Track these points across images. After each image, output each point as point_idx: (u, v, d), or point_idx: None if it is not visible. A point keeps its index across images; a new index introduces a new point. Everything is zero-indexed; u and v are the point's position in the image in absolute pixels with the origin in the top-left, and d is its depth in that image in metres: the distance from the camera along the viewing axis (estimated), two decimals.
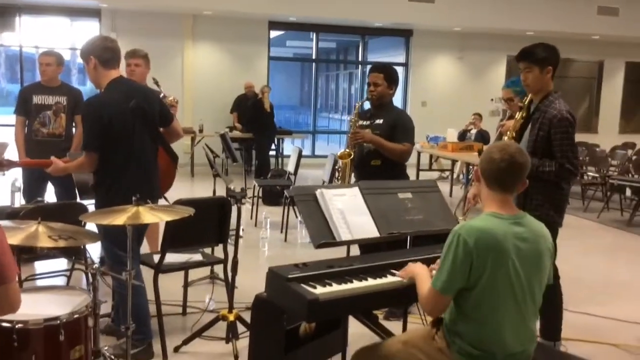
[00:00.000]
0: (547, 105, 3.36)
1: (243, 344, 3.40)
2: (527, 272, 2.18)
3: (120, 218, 2.49)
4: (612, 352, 3.82)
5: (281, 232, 6.60)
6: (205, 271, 4.76)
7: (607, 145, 11.04)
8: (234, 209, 3.55)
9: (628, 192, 7.75)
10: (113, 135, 3.21)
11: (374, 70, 4.17)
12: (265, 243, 6.28)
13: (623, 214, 8.34)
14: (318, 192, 2.82)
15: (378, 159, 4.05)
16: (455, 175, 10.13)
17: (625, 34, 12.90)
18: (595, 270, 5.76)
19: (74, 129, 5.08)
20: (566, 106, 3.34)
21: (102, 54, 3.27)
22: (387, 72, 4.14)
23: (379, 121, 4.10)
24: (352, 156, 4.12)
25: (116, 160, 3.25)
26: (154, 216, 2.54)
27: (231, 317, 3.47)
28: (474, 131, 10.42)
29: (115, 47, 3.36)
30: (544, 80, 3.39)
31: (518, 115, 3.52)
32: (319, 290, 2.34)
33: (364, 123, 4.19)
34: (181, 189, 8.03)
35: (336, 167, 4.28)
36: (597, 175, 9.31)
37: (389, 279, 2.53)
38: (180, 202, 3.32)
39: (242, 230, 6.51)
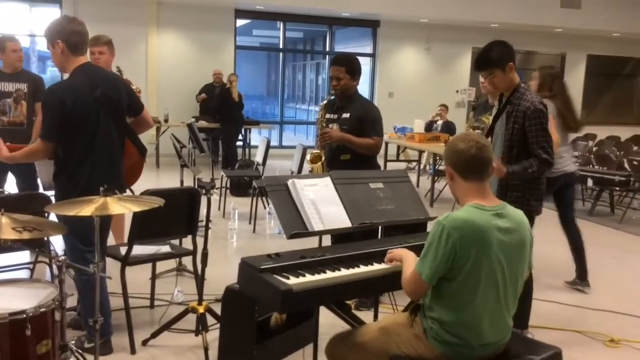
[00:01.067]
0: (519, 97, 3.39)
1: (212, 336, 3.37)
2: (510, 263, 2.19)
3: (87, 209, 2.42)
4: (577, 338, 3.91)
5: (249, 223, 6.56)
6: (173, 263, 4.69)
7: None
8: (204, 199, 3.50)
9: (590, 182, 7.93)
10: (76, 124, 3.10)
11: (335, 64, 4.08)
12: (234, 234, 6.22)
13: (585, 204, 8.53)
14: (290, 182, 2.79)
15: (347, 154, 4.01)
16: (422, 166, 10.21)
17: (587, 27, 13.15)
18: (558, 258, 5.86)
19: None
20: (537, 97, 3.39)
21: (70, 38, 3.12)
22: (348, 64, 4.05)
23: (346, 115, 4.05)
24: (322, 159, 4.06)
25: (78, 149, 3.14)
26: (123, 207, 2.47)
27: (201, 309, 3.43)
28: (440, 122, 10.51)
29: (84, 31, 3.21)
30: (509, 78, 3.41)
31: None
32: (292, 280, 2.32)
33: (332, 117, 4.15)
34: (147, 179, 7.88)
35: (309, 169, 4.22)
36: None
37: (362, 268, 2.53)
38: (149, 193, 3.26)
39: (211, 221, 6.44)
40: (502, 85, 3.43)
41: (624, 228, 7.31)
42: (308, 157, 4.19)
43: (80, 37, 3.17)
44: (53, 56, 3.21)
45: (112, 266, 3.66)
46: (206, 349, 3.28)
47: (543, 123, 3.30)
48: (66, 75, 3.28)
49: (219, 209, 7.09)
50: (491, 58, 3.37)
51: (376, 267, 2.57)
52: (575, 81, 14.92)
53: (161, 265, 4.42)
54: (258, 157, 7.56)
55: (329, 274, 2.44)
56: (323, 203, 2.82)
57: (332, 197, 2.88)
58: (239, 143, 11.22)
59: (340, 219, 2.83)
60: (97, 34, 4.56)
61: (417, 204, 3.19)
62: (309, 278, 2.37)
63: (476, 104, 4.38)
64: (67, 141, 3.14)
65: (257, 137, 11.29)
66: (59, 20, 3.21)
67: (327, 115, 4.17)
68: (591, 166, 8.92)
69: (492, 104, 4.02)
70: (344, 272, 2.48)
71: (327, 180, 2.94)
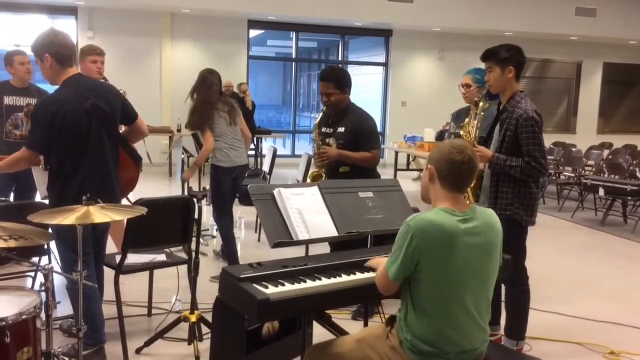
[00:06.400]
0: (514, 105, 3.39)
1: (206, 345, 3.37)
2: (480, 265, 2.19)
3: (69, 217, 2.45)
4: (576, 350, 3.84)
5: (255, 231, 6.57)
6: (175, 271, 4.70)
7: (585, 145, 11.13)
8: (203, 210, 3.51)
9: (601, 191, 7.82)
10: (66, 136, 3.12)
11: (322, 80, 4.06)
12: (239, 243, 6.21)
13: (597, 214, 8.41)
14: (276, 191, 2.80)
15: (346, 166, 4.01)
16: None
17: (602, 35, 13.01)
18: (566, 269, 5.80)
19: None
20: (532, 105, 3.37)
21: (58, 51, 3.14)
22: (335, 80, 4.02)
23: (341, 129, 4.04)
24: (323, 177, 4.04)
25: (69, 160, 3.16)
26: (105, 215, 2.50)
27: (193, 318, 3.44)
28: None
29: (71, 43, 3.23)
30: (505, 80, 3.42)
31: (472, 117, 3.58)
32: (271, 290, 2.32)
33: (327, 130, 4.14)
34: (159, 188, 7.96)
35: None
36: (572, 175, 9.39)
37: (343, 278, 2.52)
38: (141, 202, 3.28)
39: (217, 230, 6.48)
40: (495, 84, 3.45)
41: (636, 238, 7.18)
42: (309, 178, 4.18)
43: (68, 49, 3.19)
44: (42, 70, 3.21)
45: (108, 274, 3.69)
46: (197, 358, 3.29)
47: (535, 131, 3.28)
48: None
49: None
50: (497, 53, 3.41)
51: (358, 276, 2.56)
52: (591, 89, 14.77)
53: (164, 273, 4.44)
54: (265, 166, 7.58)
55: (309, 283, 2.43)
56: (309, 212, 2.81)
57: (319, 206, 2.88)
58: (251, 152, 11.27)
59: (326, 228, 2.83)
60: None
61: (407, 212, 3.17)
62: (288, 287, 2.37)
63: (457, 111, 4.35)
64: (58, 153, 3.16)
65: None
66: (46, 34, 3.20)
67: (323, 129, 4.18)
68: (603, 175, 8.80)
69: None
70: (324, 281, 2.47)
71: (315, 190, 2.94)
